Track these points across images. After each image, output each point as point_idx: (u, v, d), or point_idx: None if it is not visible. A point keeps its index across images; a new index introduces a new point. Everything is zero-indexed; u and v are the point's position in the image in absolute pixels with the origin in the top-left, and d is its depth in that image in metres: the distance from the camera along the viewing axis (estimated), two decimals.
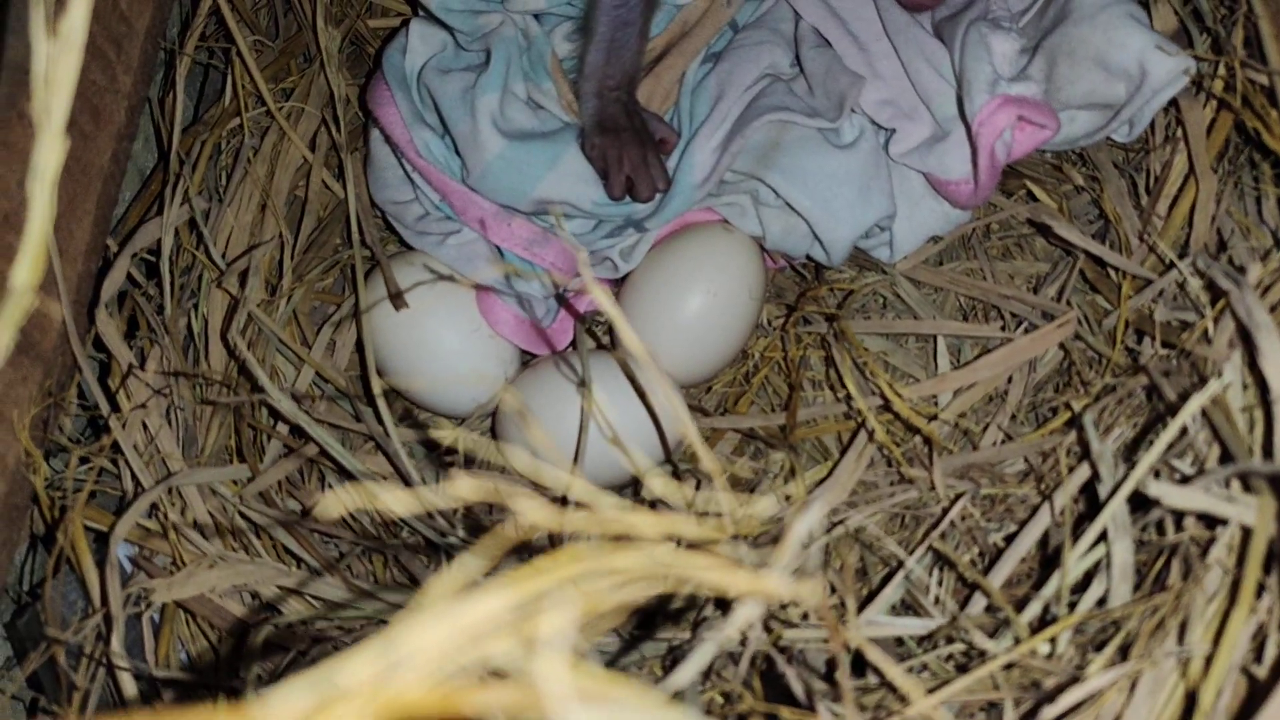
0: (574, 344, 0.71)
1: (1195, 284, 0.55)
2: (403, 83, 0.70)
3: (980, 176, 0.64)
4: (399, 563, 0.60)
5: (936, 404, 0.64)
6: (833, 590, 0.55)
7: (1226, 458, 0.47)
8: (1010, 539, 0.56)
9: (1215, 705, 0.38)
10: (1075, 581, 0.47)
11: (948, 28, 0.68)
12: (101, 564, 0.52)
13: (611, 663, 0.48)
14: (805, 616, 0.47)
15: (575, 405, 0.65)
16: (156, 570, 0.54)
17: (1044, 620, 0.47)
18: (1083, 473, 0.52)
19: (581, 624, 0.19)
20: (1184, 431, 0.48)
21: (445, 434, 0.65)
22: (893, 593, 0.51)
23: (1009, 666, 0.43)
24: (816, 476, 0.66)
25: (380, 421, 0.63)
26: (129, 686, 0.48)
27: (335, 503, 0.20)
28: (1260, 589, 0.41)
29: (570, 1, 0.71)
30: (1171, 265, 0.57)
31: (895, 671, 0.34)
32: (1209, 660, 0.40)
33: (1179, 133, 0.64)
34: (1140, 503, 0.45)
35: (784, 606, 0.45)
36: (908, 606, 0.52)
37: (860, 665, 0.44)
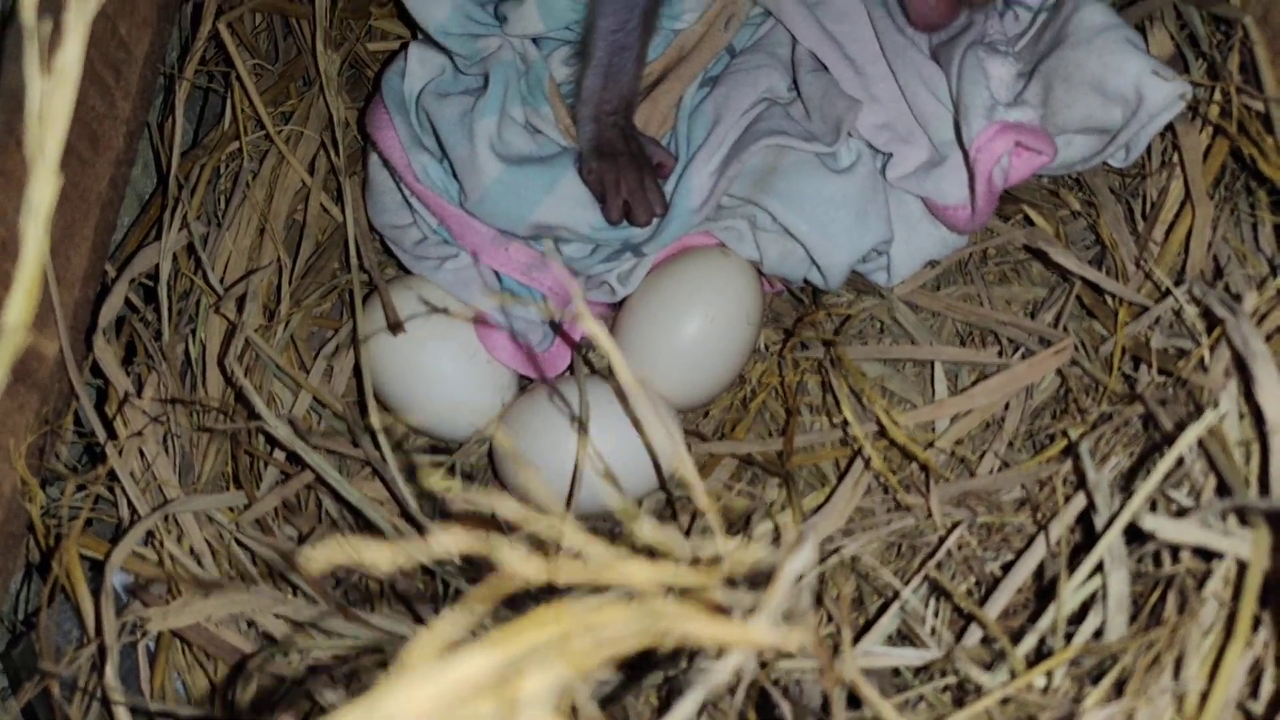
0: (571, 368, 0.71)
1: (1191, 312, 0.55)
2: (401, 106, 0.71)
3: (977, 202, 0.64)
4: (394, 591, 0.60)
5: (933, 430, 0.64)
6: (829, 619, 0.55)
7: (1223, 488, 0.47)
8: (1007, 568, 0.55)
9: None
10: (1071, 613, 0.47)
11: (945, 51, 0.69)
12: (97, 593, 0.52)
13: (609, 696, 0.48)
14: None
15: (572, 432, 0.65)
16: (152, 599, 0.54)
17: (1040, 652, 0.47)
18: (1079, 502, 0.52)
19: (567, 681, 0.19)
20: (1180, 461, 0.48)
21: (439, 482, 0.65)
22: (889, 623, 0.51)
23: (1005, 701, 0.43)
24: (814, 503, 0.66)
25: (377, 447, 0.63)
26: (124, 718, 0.48)
27: (320, 557, 0.20)
28: (1256, 623, 0.41)
29: (568, 26, 0.71)
30: (1167, 293, 0.57)
31: (888, 710, 0.33)
32: (1205, 696, 0.40)
33: (1175, 158, 0.64)
34: (1137, 533, 0.45)
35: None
36: (904, 637, 0.52)
37: (857, 696, 0.44)
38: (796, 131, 0.68)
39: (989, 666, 0.47)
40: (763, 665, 0.45)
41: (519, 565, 0.21)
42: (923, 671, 0.49)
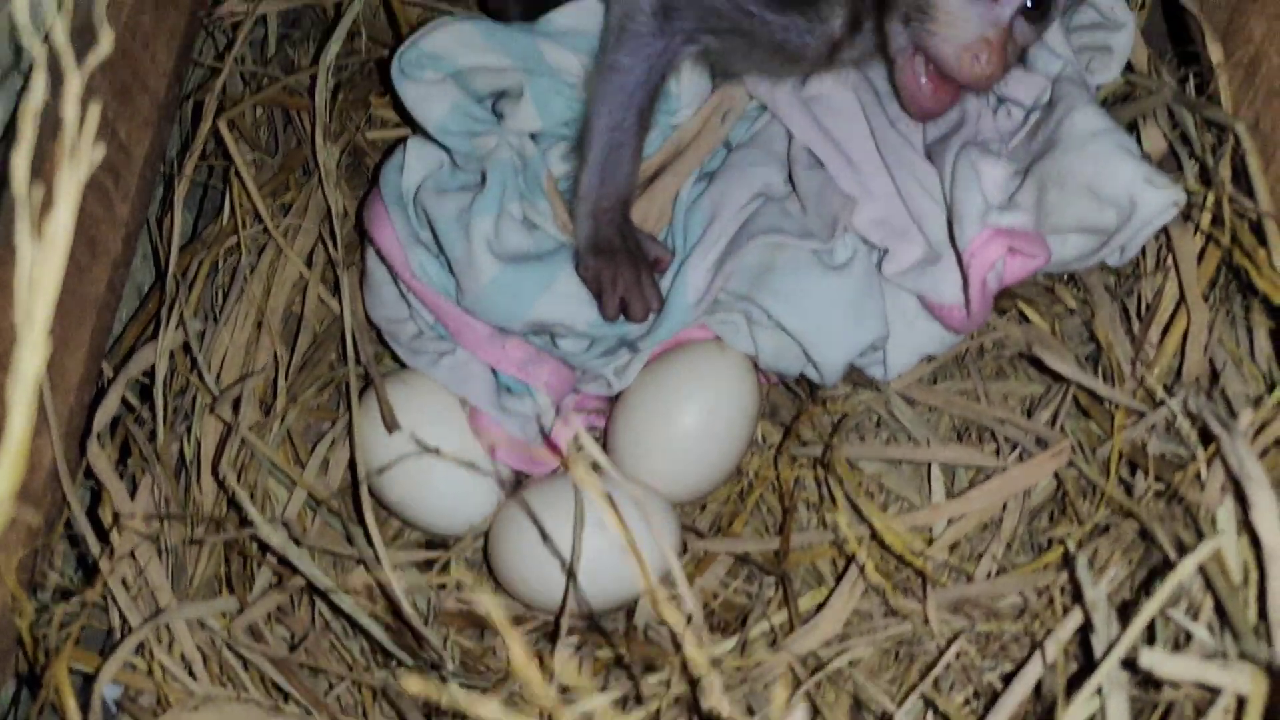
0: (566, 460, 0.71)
1: (1187, 424, 0.55)
2: (399, 202, 0.71)
3: (972, 306, 0.64)
4: (387, 697, 0.59)
5: (930, 533, 0.64)
6: None
7: (1222, 608, 0.47)
8: (1007, 678, 0.55)
9: None
10: None
11: (938, 150, 0.69)
12: (85, 708, 0.51)
13: None
14: None
15: (569, 528, 0.65)
16: (141, 712, 0.54)
17: None
18: (1077, 616, 0.52)
19: None
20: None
21: (433, 579, 0.65)
22: None
23: None
24: (811, 602, 0.65)
25: (370, 544, 0.63)
26: None
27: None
28: None
29: (565, 123, 0.72)
30: (1163, 402, 0.57)
31: None
32: None
33: (1170, 259, 0.64)
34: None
35: None
36: None
37: None
38: (792, 228, 0.69)
39: None
40: None
41: None
42: None
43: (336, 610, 0.64)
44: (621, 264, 0.68)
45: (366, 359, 0.70)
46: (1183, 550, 0.50)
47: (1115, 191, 0.62)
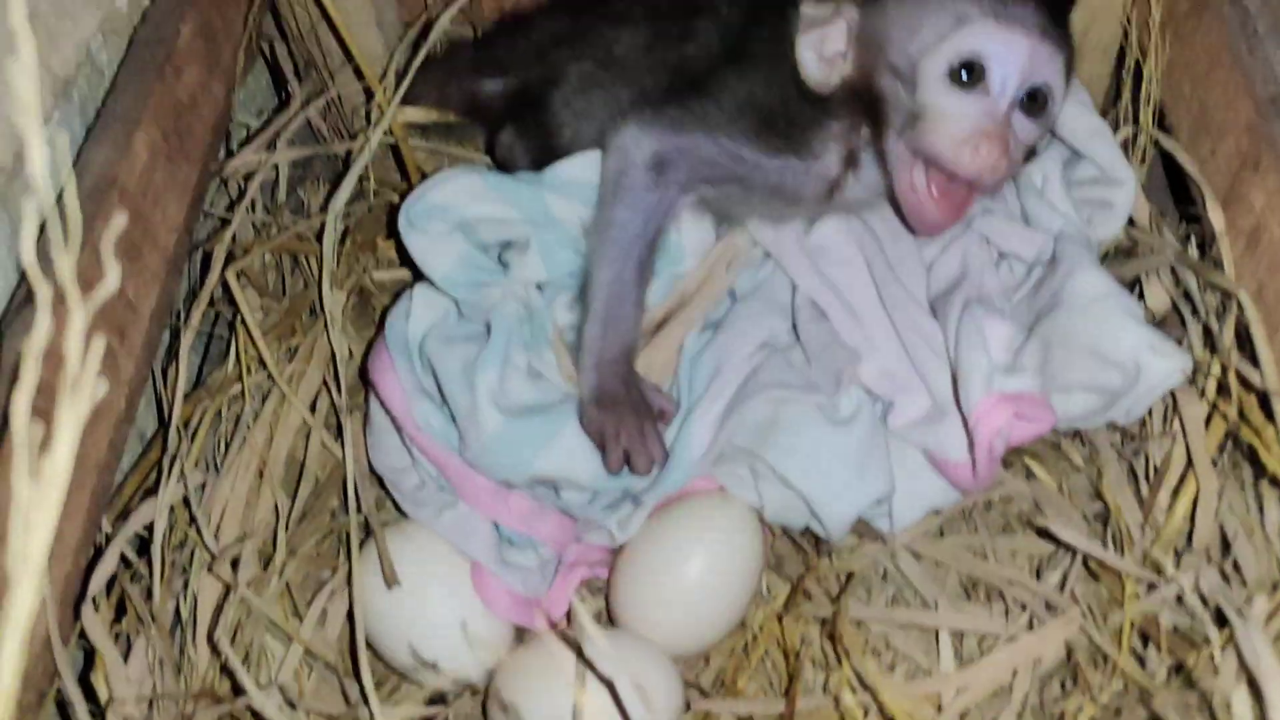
0: (570, 614, 0.70)
1: (1198, 602, 0.54)
2: (404, 350, 0.71)
3: (979, 470, 0.64)
4: None
5: (940, 699, 0.62)
6: None
7: None
8: None
9: None
10: None
11: (942, 306, 0.69)
12: None
13: None
14: None
15: (570, 685, 0.63)
16: None
17: None
18: None
19: None
20: None
21: None
22: None
23: None
24: None
25: (366, 701, 0.61)
26: None
27: None
28: None
29: (572, 273, 0.73)
30: (1174, 579, 0.56)
31: None
32: None
33: (1177, 421, 0.64)
34: None
35: None
36: None
37: None
38: (797, 382, 0.69)
39: None
40: None
41: None
42: None
43: None
44: (625, 416, 0.67)
45: (368, 509, 0.69)
46: None
47: (1120, 356, 0.62)
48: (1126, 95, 0.76)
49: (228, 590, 0.64)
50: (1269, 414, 0.56)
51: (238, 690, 0.60)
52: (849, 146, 0.68)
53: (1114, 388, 0.63)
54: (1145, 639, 0.59)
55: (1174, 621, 0.58)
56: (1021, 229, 0.72)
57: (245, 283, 0.76)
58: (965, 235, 0.72)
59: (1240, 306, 0.60)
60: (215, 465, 0.70)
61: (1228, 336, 0.61)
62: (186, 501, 0.67)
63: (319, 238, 0.76)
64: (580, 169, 0.73)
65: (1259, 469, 0.58)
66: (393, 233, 0.82)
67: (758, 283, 0.75)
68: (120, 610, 0.64)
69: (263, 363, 0.73)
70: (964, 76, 0.61)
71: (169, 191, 0.66)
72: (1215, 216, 0.63)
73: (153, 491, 0.67)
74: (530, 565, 0.69)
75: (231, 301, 0.74)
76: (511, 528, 0.70)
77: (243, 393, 0.72)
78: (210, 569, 0.63)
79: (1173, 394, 0.64)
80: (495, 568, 0.68)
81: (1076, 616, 0.60)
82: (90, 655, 0.62)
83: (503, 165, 0.82)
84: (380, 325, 0.75)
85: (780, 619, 0.69)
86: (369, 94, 0.79)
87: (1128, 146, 0.76)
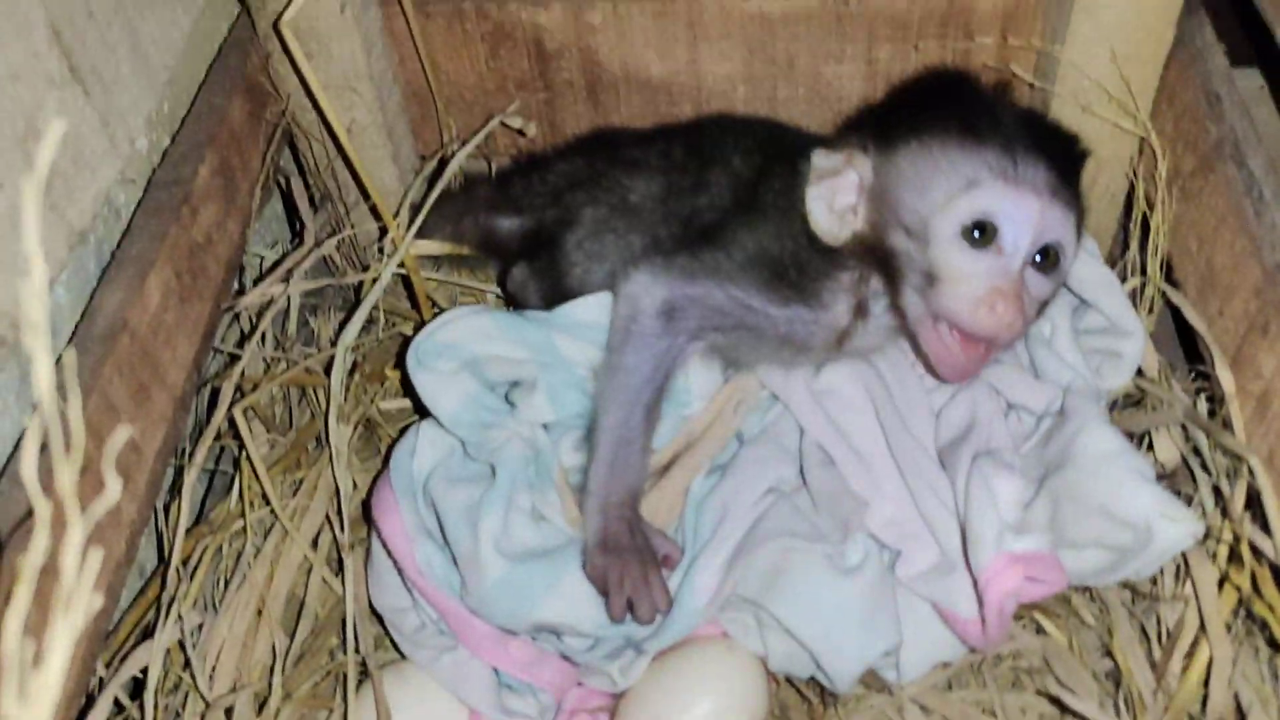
0: None
1: None
2: (409, 490, 0.71)
3: (989, 630, 0.62)
4: None
5: None
6: None
7: None
8: None
9: None
10: None
11: (951, 457, 0.69)
12: None
13: None
14: None
15: None
16: None
17: None
18: None
19: None
20: None
21: None
22: None
23: None
24: None
25: None
26: None
27: None
28: None
29: (579, 414, 0.72)
30: None
31: None
32: None
33: (1189, 585, 0.63)
34: None
35: None
36: None
37: None
38: (803, 530, 0.68)
39: None
40: None
41: None
42: None
43: None
44: (629, 563, 0.67)
45: (366, 650, 0.69)
46: None
47: (1132, 517, 0.61)
48: (1134, 246, 0.77)
49: None
50: None
51: None
52: (859, 297, 0.68)
53: (1125, 546, 0.62)
54: None
55: None
56: (1031, 381, 0.71)
57: (252, 415, 0.76)
58: (974, 385, 0.72)
59: (1251, 472, 0.60)
60: (214, 604, 0.70)
61: (1239, 501, 0.60)
62: (182, 645, 0.66)
63: (328, 371, 0.76)
64: (589, 311, 0.73)
65: (1274, 644, 0.57)
66: (401, 363, 0.82)
67: (765, 426, 0.75)
68: None
69: (266, 499, 0.72)
70: (976, 236, 0.61)
71: (180, 330, 0.66)
72: (1225, 378, 0.63)
73: (150, 632, 0.66)
74: (530, 712, 0.68)
75: (237, 436, 0.74)
76: (511, 673, 0.68)
77: (245, 529, 0.72)
78: (203, 719, 0.62)
79: (1184, 555, 0.63)
80: (494, 715, 0.67)
81: None
82: None
83: (514, 300, 0.82)
84: (386, 458, 0.75)
85: None
86: (383, 228, 0.79)
87: (1135, 297, 0.76)
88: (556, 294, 0.77)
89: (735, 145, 0.76)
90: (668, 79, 0.85)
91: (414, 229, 0.77)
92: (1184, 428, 0.69)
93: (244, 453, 0.73)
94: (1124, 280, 0.75)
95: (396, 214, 0.80)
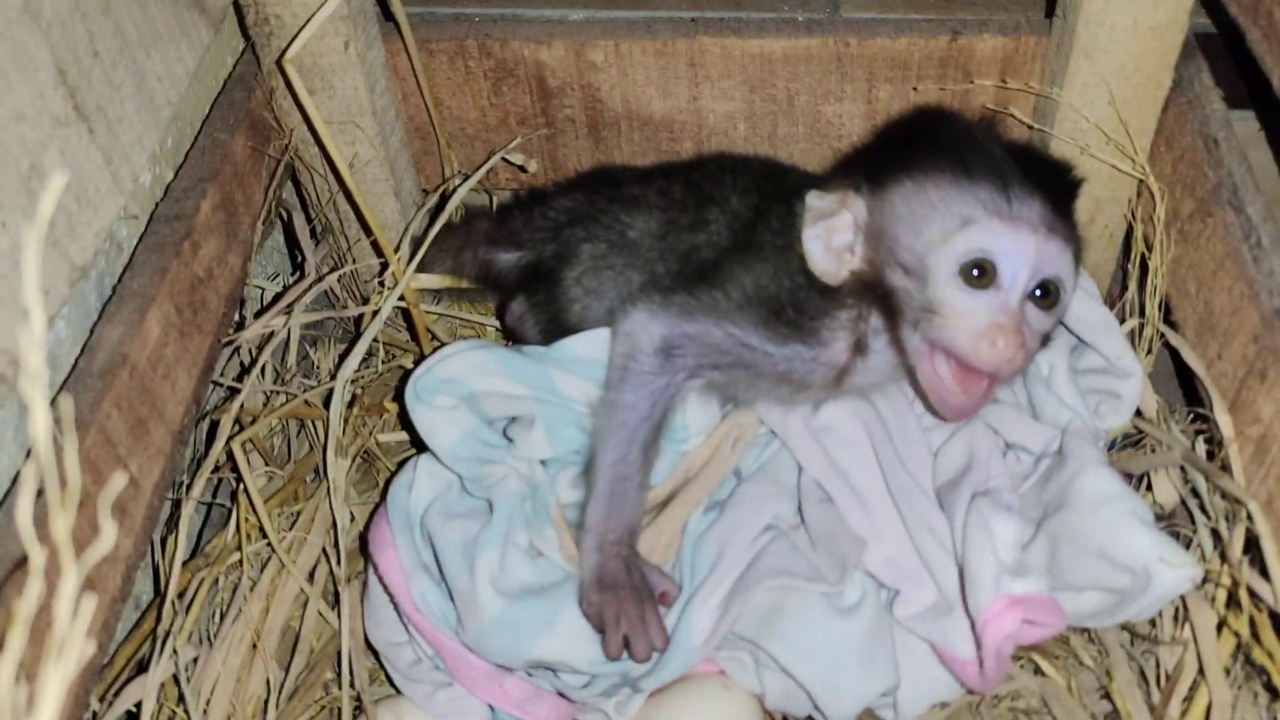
0: None
1: None
2: (406, 525, 0.71)
3: (987, 672, 0.62)
4: None
5: None
6: None
7: None
8: None
9: None
10: None
11: (949, 497, 0.69)
12: None
13: None
14: None
15: None
16: None
17: None
18: None
19: None
20: None
21: None
22: None
23: None
24: None
25: None
26: None
27: None
28: None
29: (577, 450, 0.72)
30: None
31: None
32: None
33: (1187, 628, 0.62)
34: None
35: None
36: None
37: None
38: (801, 569, 0.68)
39: None
40: None
41: None
42: None
43: None
44: (626, 600, 0.66)
45: (361, 685, 0.68)
46: None
47: (1130, 560, 0.61)
48: (1133, 287, 0.77)
49: None
50: None
51: None
52: (857, 335, 0.68)
53: (1124, 589, 0.62)
54: None
55: None
56: (1029, 421, 0.71)
57: (250, 448, 0.76)
58: (972, 425, 0.72)
59: (1250, 516, 0.59)
60: (209, 638, 0.69)
61: (1238, 546, 0.60)
62: (177, 679, 0.66)
63: (327, 403, 0.76)
64: (588, 347, 0.74)
65: (1273, 690, 0.57)
66: (400, 397, 0.82)
67: (763, 462, 0.75)
68: None
69: (263, 532, 0.72)
70: (975, 275, 0.61)
71: (179, 365, 0.67)
72: (1224, 422, 0.63)
73: (144, 666, 0.66)
74: None
75: (235, 468, 0.74)
76: (506, 710, 0.68)
77: (241, 561, 0.72)
78: None
79: (1183, 599, 0.62)
80: None
81: None
82: None
83: (512, 334, 0.82)
84: (384, 491, 0.75)
85: None
86: (384, 262, 0.79)
87: (1134, 337, 0.76)
88: (555, 329, 0.77)
89: (734, 184, 0.76)
90: (669, 117, 0.85)
91: (414, 263, 0.78)
92: (1183, 470, 0.69)
93: (241, 485, 0.73)
94: (1123, 320, 0.75)
95: (397, 248, 0.80)
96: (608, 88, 0.84)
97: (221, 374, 0.77)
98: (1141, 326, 0.76)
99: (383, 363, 0.86)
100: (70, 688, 0.57)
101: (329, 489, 0.74)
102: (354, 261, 0.84)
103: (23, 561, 0.49)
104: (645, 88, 0.84)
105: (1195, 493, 0.68)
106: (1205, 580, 0.62)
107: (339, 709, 0.68)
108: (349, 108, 0.80)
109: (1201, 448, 0.69)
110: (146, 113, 0.62)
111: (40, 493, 0.29)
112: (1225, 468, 0.64)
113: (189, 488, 0.70)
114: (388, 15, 0.81)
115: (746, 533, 0.70)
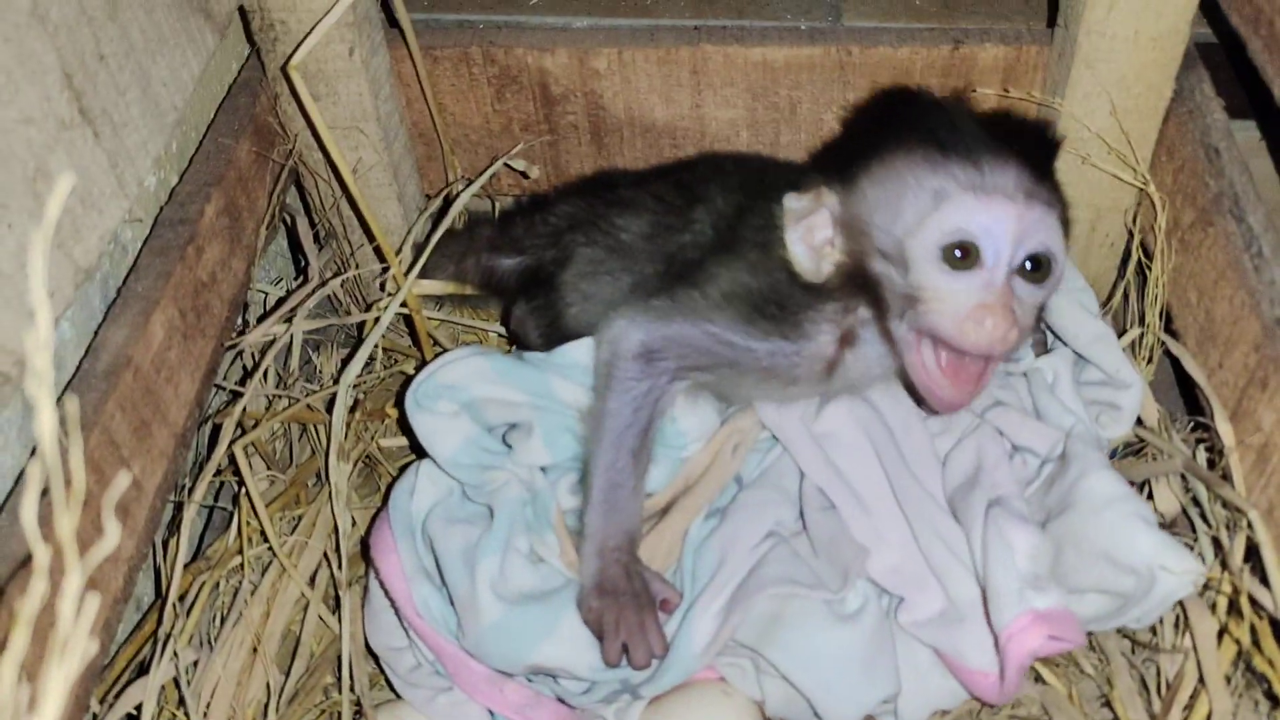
0: None
1: None
2: (407, 530, 0.71)
3: (1007, 686, 0.62)
4: None
5: None
6: None
7: None
8: None
9: None
10: None
11: (962, 504, 0.68)
12: None
13: None
14: None
15: None
16: None
17: None
18: None
19: None
20: None
21: None
22: None
23: None
24: None
25: None
26: None
27: None
28: None
29: (575, 455, 0.72)
30: None
31: None
32: None
33: (1188, 636, 0.62)
34: None
35: None
36: None
37: None
38: (803, 577, 0.68)
39: None
40: None
41: None
42: None
43: None
44: (625, 607, 0.66)
45: (361, 690, 0.68)
46: None
47: (1133, 562, 0.61)
48: (1134, 296, 0.77)
49: None
50: None
51: None
52: (844, 327, 0.67)
53: (1127, 592, 0.62)
54: None
55: None
56: (1035, 424, 0.72)
57: (253, 451, 0.76)
58: (980, 429, 0.72)
59: (1250, 525, 0.60)
60: (210, 641, 0.69)
61: (1238, 554, 0.60)
62: (177, 682, 0.66)
63: (329, 408, 0.76)
64: (587, 353, 0.74)
65: (1274, 698, 0.57)
66: (401, 402, 0.83)
67: (764, 468, 0.75)
68: None
69: (265, 536, 0.73)
70: (956, 255, 0.59)
71: (183, 368, 0.67)
72: (1224, 431, 0.63)
73: (145, 668, 0.66)
74: None
75: (237, 472, 0.74)
76: (506, 715, 0.68)
77: (242, 565, 0.72)
78: None
79: (1183, 606, 0.63)
80: None
81: None
82: None
83: (516, 338, 0.82)
84: (386, 496, 0.75)
85: None
86: (386, 267, 0.80)
87: (1135, 346, 0.76)
88: (555, 333, 0.77)
89: (721, 183, 0.75)
90: (671, 124, 0.86)
91: (417, 268, 0.78)
92: (1184, 478, 0.69)
93: (243, 489, 0.73)
94: (1124, 329, 0.75)
95: (399, 250, 0.81)
96: (610, 95, 0.84)
97: (224, 377, 0.77)
98: (1143, 336, 0.76)
99: (384, 367, 0.86)
100: (72, 691, 0.57)
101: (331, 493, 0.74)
102: (357, 267, 0.84)
103: (26, 561, 0.49)
104: (648, 95, 0.84)
105: (1196, 501, 0.68)
106: (1206, 588, 0.62)
107: (339, 713, 0.68)
108: (353, 113, 0.80)
109: (1202, 456, 0.69)
110: (152, 117, 0.63)
111: (44, 492, 0.29)
112: (1226, 476, 0.64)
113: (191, 491, 0.70)
114: (392, 22, 0.81)
115: (748, 540, 0.70)
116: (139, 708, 0.64)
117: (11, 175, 0.50)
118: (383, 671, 0.73)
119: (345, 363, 0.77)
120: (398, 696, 0.71)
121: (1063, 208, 0.62)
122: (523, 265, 0.82)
